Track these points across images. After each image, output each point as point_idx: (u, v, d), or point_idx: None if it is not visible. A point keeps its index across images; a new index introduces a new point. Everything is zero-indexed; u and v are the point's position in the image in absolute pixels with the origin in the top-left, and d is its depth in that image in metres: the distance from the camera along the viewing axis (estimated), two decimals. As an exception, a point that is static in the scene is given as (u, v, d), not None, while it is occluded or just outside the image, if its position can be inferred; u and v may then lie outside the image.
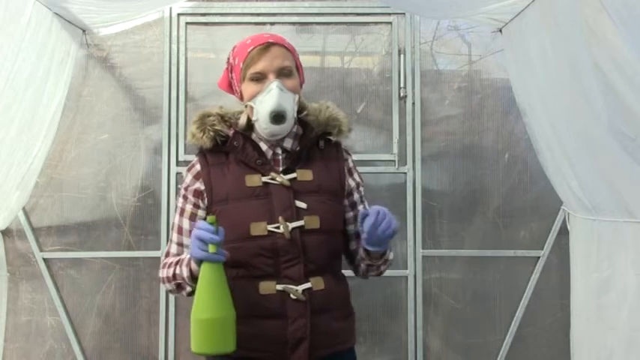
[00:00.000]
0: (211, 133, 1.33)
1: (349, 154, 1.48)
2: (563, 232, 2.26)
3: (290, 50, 1.33)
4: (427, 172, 2.34)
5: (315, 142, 1.40)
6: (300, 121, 1.39)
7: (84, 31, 2.32)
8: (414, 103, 2.34)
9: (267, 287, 1.28)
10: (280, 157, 1.35)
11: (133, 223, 2.34)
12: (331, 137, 1.43)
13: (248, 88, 1.31)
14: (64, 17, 2.14)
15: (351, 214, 1.44)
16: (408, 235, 2.31)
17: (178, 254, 1.36)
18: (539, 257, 2.31)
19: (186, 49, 2.36)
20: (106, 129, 2.35)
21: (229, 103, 1.45)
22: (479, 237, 2.34)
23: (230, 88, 1.39)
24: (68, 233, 2.33)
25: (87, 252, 2.32)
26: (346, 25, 2.39)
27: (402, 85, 2.33)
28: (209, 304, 1.14)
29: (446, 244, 2.33)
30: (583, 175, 1.89)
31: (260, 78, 1.29)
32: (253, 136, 1.36)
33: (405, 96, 2.33)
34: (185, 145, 2.34)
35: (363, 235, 1.27)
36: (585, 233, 2.00)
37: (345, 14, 2.37)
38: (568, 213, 2.20)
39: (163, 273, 1.34)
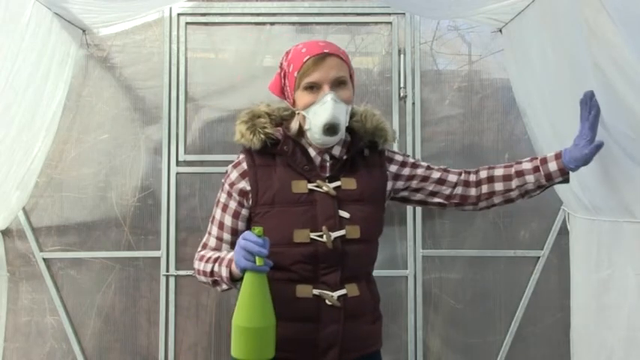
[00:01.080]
0: (262, 136, 1.33)
1: (395, 153, 1.50)
2: (563, 232, 2.26)
3: (344, 60, 1.33)
4: (427, 172, 2.34)
5: (361, 149, 1.41)
6: (348, 127, 1.38)
7: (84, 31, 2.32)
8: (414, 103, 2.34)
9: (304, 291, 1.29)
10: (327, 164, 1.36)
11: (133, 223, 2.34)
12: (377, 146, 1.44)
13: (302, 97, 1.31)
14: (64, 17, 2.14)
15: (415, 182, 1.47)
16: (408, 235, 2.31)
17: (216, 248, 1.37)
18: (539, 257, 2.31)
19: (186, 49, 2.36)
20: (106, 129, 2.35)
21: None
22: (479, 237, 2.34)
23: (282, 93, 1.39)
24: (68, 233, 2.33)
25: (87, 252, 2.32)
26: (346, 25, 2.39)
27: (402, 85, 2.33)
28: (252, 314, 1.16)
29: (446, 244, 2.33)
30: (583, 175, 1.89)
31: (314, 88, 1.29)
32: (303, 141, 1.36)
33: (405, 96, 2.33)
34: (185, 145, 2.34)
35: (584, 139, 1.37)
36: (585, 233, 1.99)
37: (345, 14, 2.37)
38: (568, 213, 2.20)
39: (200, 265, 1.34)
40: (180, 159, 2.34)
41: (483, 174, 1.48)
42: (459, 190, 1.48)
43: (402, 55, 2.34)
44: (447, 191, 1.48)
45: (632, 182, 1.61)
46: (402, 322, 2.32)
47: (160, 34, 2.36)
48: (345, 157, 1.36)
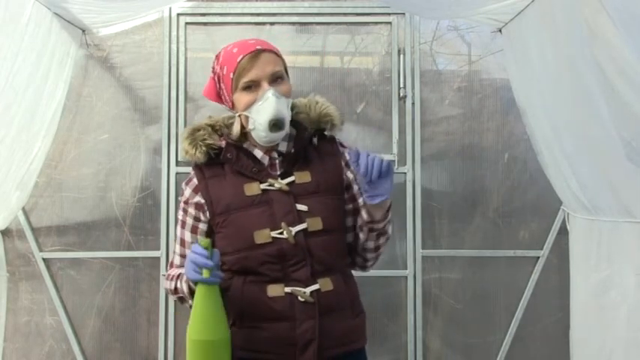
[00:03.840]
0: (203, 148, 1.33)
1: (345, 147, 1.45)
2: (563, 232, 2.26)
3: (278, 54, 1.32)
4: (427, 172, 2.34)
5: (308, 140, 1.38)
6: (292, 120, 1.36)
7: (84, 31, 2.31)
8: (413, 103, 2.34)
9: (276, 290, 1.28)
10: (277, 162, 1.35)
11: (132, 223, 2.34)
12: (325, 133, 1.42)
13: (242, 98, 1.29)
14: (64, 17, 2.14)
15: (350, 206, 1.42)
16: (407, 235, 2.31)
17: (181, 266, 1.36)
18: (538, 257, 2.31)
19: (185, 49, 2.36)
20: (106, 129, 2.35)
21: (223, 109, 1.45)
22: (479, 237, 2.34)
23: (218, 97, 1.38)
24: (68, 233, 2.33)
25: (87, 252, 2.32)
26: (346, 25, 2.39)
27: (401, 85, 2.33)
28: (202, 326, 1.15)
29: (446, 244, 2.33)
30: (583, 175, 1.89)
31: (253, 86, 1.28)
32: (246, 144, 1.36)
33: (405, 96, 2.33)
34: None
35: (361, 176, 1.23)
36: (585, 233, 2.00)
37: (345, 14, 2.37)
38: (568, 213, 2.20)
39: (167, 285, 1.37)
40: (179, 159, 2.33)
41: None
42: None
43: (401, 55, 2.35)
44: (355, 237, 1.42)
45: (631, 182, 1.61)
46: (401, 322, 2.32)
47: (159, 34, 2.36)
48: (292, 151, 1.35)
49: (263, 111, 1.26)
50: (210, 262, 1.15)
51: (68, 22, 2.18)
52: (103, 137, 2.35)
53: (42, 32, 2.00)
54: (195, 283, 1.19)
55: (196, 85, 2.36)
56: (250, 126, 1.30)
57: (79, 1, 1.99)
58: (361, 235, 1.37)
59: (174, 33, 2.35)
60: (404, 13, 2.36)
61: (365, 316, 1.43)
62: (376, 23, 2.38)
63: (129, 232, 2.33)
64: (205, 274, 1.15)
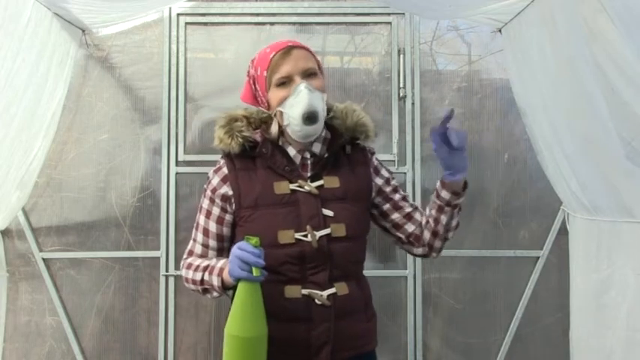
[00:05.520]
0: (240, 140, 1.33)
1: (372, 154, 1.48)
2: (563, 232, 2.26)
3: (311, 52, 1.34)
4: (427, 172, 2.34)
5: (341, 146, 1.40)
6: (327, 124, 1.38)
7: (83, 31, 2.31)
8: (413, 103, 2.34)
9: (293, 291, 1.29)
10: (309, 163, 1.36)
11: (132, 223, 2.34)
12: (359, 142, 1.44)
13: (276, 94, 1.30)
14: (64, 17, 2.14)
15: (388, 205, 1.44)
16: (407, 235, 2.31)
17: (202, 255, 1.37)
18: (538, 257, 2.31)
19: (185, 49, 2.36)
20: (106, 129, 2.35)
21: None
22: (478, 237, 2.34)
23: (255, 100, 1.38)
24: (68, 233, 2.33)
25: (86, 252, 2.32)
26: (346, 25, 2.39)
27: (401, 85, 2.33)
28: (245, 323, 1.16)
29: (445, 244, 2.33)
30: (583, 175, 1.89)
31: (286, 82, 1.29)
32: (281, 141, 1.36)
33: (405, 96, 2.33)
34: (185, 145, 2.34)
35: (439, 144, 1.30)
36: (585, 233, 2.00)
37: (344, 14, 2.37)
38: (567, 213, 2.20)
39: (189, 274, 1.34)
40: (179, 159, 2.33)
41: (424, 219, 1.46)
42: (418, 230, 1.45)
43: (401, 55, 2.35)
44: (410, 229, 1.45)
45: (631, 182, 1.61)
46: (401, 322, 2.32)
47: (159, 34, 2.36)
48: (326, 155, 1.36)
49: (296, 105, 1.28)
50: (262, 262, 1.15)
51: (68, 22, 2.18)
52: (103, 137, 2.35)
53: (42, 32, 2.00)
54: (237, 280, 1.18)
55: (196, 85, 2.36)
56: (285, 122, 1.31)
57: (79, 1, 1.99)
58: (443, 218, 1.39)
59: (174, 33, 2.35)
60: (404, 13, 2.36)
61: (376, 319, 1.44)
62: (376, 23, 2.38)
63: (129, 232, 2.33)
64: (256, 272, 1.15)
